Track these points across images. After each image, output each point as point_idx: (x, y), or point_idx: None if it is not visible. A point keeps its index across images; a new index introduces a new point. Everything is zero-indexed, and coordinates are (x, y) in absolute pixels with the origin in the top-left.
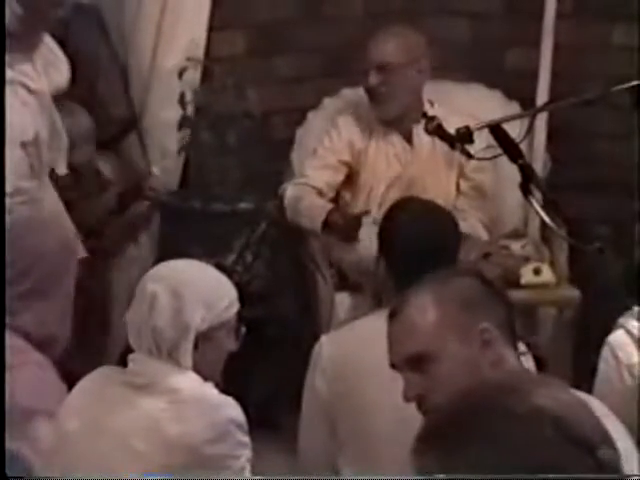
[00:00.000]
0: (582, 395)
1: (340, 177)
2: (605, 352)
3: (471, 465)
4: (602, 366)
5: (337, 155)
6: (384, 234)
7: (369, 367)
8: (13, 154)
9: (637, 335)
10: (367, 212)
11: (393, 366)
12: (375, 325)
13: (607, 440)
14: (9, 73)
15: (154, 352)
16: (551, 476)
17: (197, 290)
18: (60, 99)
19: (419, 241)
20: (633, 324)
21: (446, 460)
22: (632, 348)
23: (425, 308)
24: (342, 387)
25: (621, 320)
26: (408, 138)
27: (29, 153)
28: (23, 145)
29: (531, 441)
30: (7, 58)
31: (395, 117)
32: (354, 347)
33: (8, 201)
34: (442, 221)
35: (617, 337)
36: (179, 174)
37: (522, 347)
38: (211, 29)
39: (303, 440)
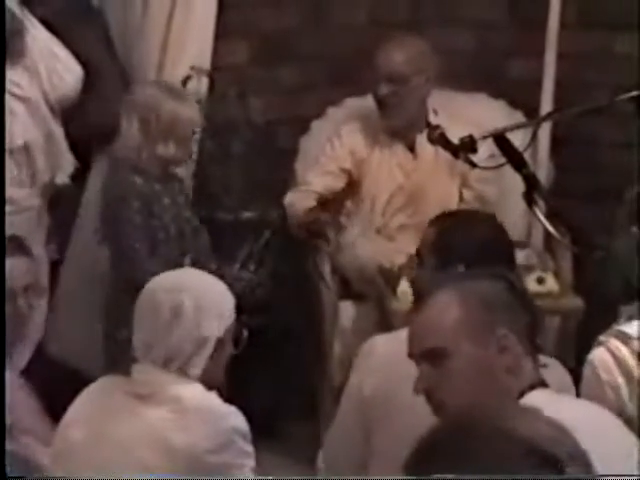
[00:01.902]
0: (574, 400)
1: (340, 184)
2: (587, 371)
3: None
4: (584, 387)
5: (338, 162)
6: (460, 243)
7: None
8: None
9: (619, 355)
10: (339, 226)
11: (410, 356)
12: None
13: (577, 458)
14: None
15: (162, 364)
16: (549, 477)
17: (211, 300)
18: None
19: (491, 245)
20: (615, 344)
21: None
22: (614, 369)
23: (448, 305)
24: (389, 390)
25: (602, 337)
26: (411, 147)
27: (18, 161)
28: (10, 152)
29: (494, 460)
30: None
31: (402, 126)
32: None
33: None
34: (500, 224)
35: (599, 356)
36: (190, 184)
37: (548, 360)
38: (215, 38)
39: (332, 440)
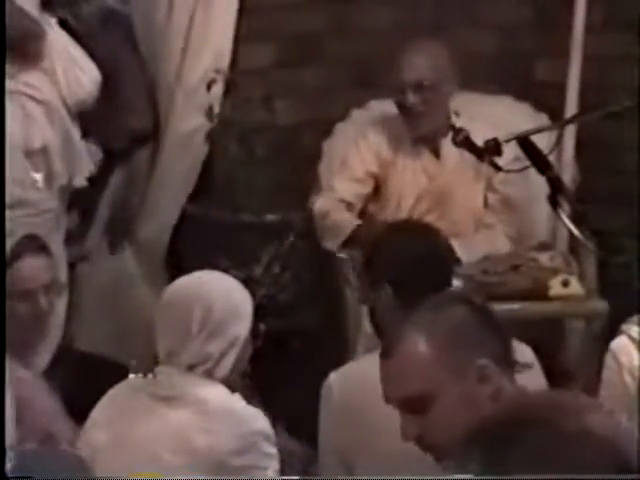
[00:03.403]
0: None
1: (367, 189)
2: (608, 359)
3: (508, 474)
4: (606, 373)
5: (365, 166)
6: (387, 261)
7: (385, 413)
8: (16, 164)
9: (638, 339)
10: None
11: (387, 400)
12: None
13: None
14: (11, 84)
15: (186, 367)
16: (563, 477)
17: (236, 300)
18: None
19: (421, 262)
20: (635, 329)
21: (484, 466)
22: (634, 351)
23: (418, 348)
24: (357, 434)
25: (624, 327)
26: (435, 151)
27: (36, 163)
28: (28, 154)
29: (575, 461)
30: (9, 70)
31: (430, 134)
32: (366, 391)
33: (12, 214)
34: (436, 239)
35: (619, 342)
36: (193, 184)
37: (529, 357)
38: (240, 41)
39: (324, 469)
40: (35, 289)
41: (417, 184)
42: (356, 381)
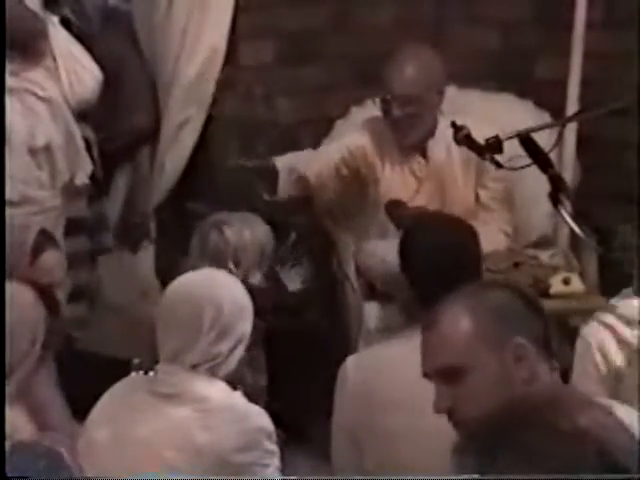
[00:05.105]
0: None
1: (351, 162)
2: (579, 344)
3: (504, 472)
4: (577, 359)
5: (352, 144)
6: (404, 253)
7: (396, 395)
8: (19, 161)
9: (609, 322)
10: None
11: (425, 375)
12: (402, 350)
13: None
14: (14, 81)
15: (191, 366)
16: (565, 476)
17: (242, 297)
18: None
19: (439, 257)
20: (606, 315)
21: (481, 465)
22: (603, 332)
23: (459, 320)
24: (368, 416)
25: (596, 314)
26: (422, 153)
27: (40, 160)
28: (32, 152)
29: (569, 459)
30: (12, 67)
31: (418, 142)
32: (380, 374)
33: (17, 211)
34: (460, 233)
35: (590, 328)
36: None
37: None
38: (240, 38)
39: (335, 459)
40: (53, 284)
41: (406, 187)
42: (371, 364)
